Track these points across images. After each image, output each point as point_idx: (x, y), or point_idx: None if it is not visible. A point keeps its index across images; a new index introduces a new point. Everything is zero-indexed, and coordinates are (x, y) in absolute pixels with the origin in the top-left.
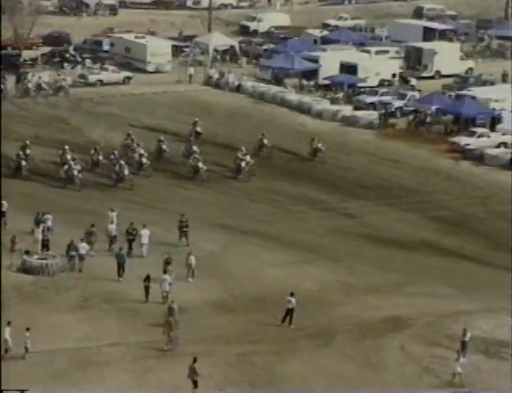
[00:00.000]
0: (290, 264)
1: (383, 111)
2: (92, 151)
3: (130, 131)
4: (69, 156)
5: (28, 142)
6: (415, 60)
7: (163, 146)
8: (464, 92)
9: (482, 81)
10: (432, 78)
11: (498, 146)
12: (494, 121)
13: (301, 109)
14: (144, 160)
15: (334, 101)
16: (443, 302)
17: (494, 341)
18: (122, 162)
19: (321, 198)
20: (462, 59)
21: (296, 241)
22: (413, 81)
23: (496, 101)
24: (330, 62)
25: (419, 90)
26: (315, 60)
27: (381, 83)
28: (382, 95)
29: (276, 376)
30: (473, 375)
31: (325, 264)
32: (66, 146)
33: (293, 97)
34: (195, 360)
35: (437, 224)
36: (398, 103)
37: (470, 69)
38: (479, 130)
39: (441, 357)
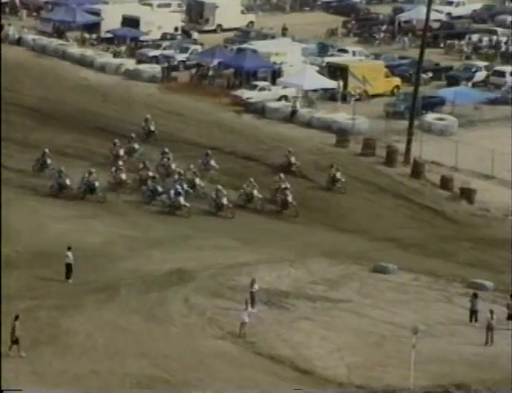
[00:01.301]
0: (74, 218)
1: (166, 65)
2: (114, 168)
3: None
4: (150, 173)
5: (47, 151)
6: (196, 14)
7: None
8: (245, 45)
9: (263, 35)
10: (214, 31)
11: (279, 100)
12: (275, 74)
13: (83, 62)
14: (197, 180)
15: (116, 55)
16: (226, 254)
17: (276, 291)
18: (219, 187)
19: (101, 151)
20: (243, 13)
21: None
22: (195, 35)
23: (277, 54)
24: (112, 15)
25: (201, 44)
26: (97, 14)
27: (163, 37)
28: (165, 48)
29: (60, 331)
30: (255, 325)
31: (108, 218)
32: (147, 162)
33: (75, 50)
34: (16, 318)
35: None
36: (181, 57)
37: (251, 22)
38: (260, 83)
39: (224, 308)
